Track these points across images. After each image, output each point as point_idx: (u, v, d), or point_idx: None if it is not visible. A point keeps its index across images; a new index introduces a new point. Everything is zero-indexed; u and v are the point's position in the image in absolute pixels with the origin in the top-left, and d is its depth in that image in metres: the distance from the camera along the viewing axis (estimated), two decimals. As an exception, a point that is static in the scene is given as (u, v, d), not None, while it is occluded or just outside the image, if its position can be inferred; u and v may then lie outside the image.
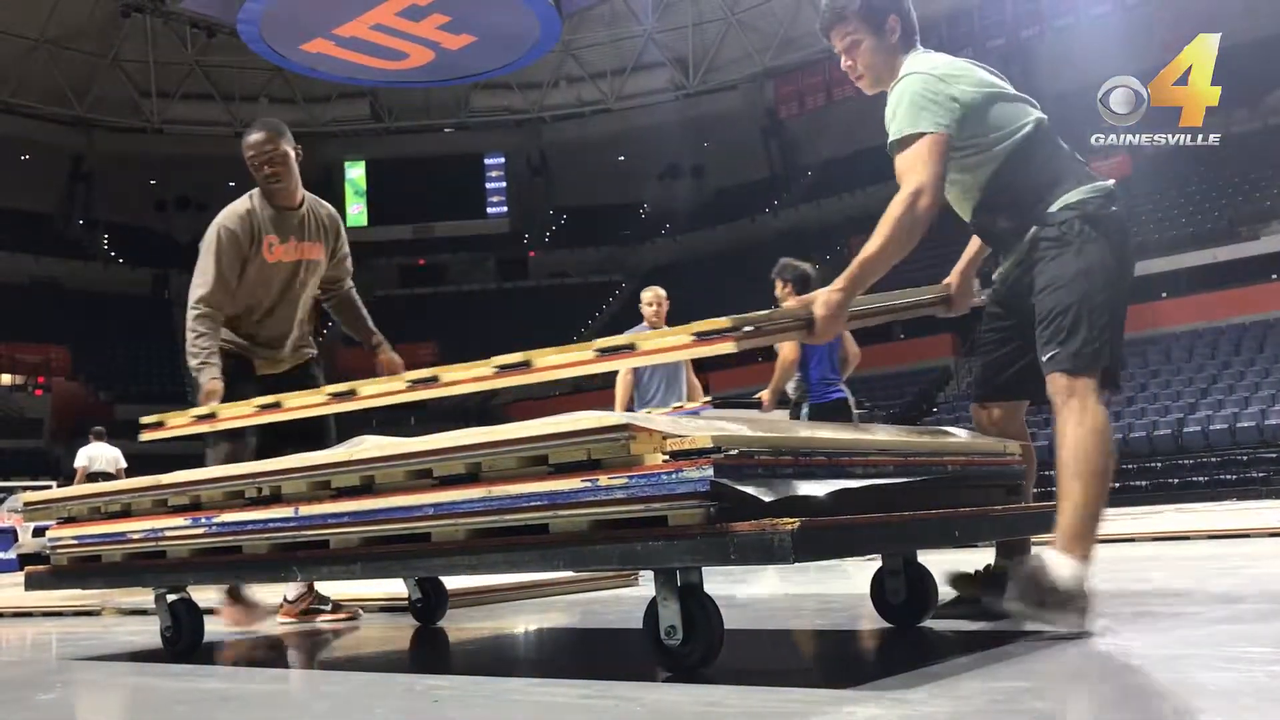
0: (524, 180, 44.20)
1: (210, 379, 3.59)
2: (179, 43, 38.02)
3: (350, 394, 2.86)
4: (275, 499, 2.71)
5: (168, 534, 2.96)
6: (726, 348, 2.19)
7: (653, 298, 7.90)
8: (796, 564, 1.87)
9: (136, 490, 3.06)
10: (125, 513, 3.12)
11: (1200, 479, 18.66)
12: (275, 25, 19.24)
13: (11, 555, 16.53)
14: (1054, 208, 2.59)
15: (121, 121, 39.88)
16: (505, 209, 44.31)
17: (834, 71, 38.38)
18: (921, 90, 2.64)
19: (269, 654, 3.48)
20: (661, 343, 2.24)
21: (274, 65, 33.39)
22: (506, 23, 19.56)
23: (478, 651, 3.19)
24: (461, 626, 3.72)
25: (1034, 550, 2.46)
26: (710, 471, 1.94)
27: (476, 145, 43.45)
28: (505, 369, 2.46)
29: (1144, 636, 2.37)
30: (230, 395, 3.55)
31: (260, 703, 2.32)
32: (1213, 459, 19.15)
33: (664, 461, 2.01)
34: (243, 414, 3.17)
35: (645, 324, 7.98)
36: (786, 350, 6.61)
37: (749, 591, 4.23)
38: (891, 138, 2.67)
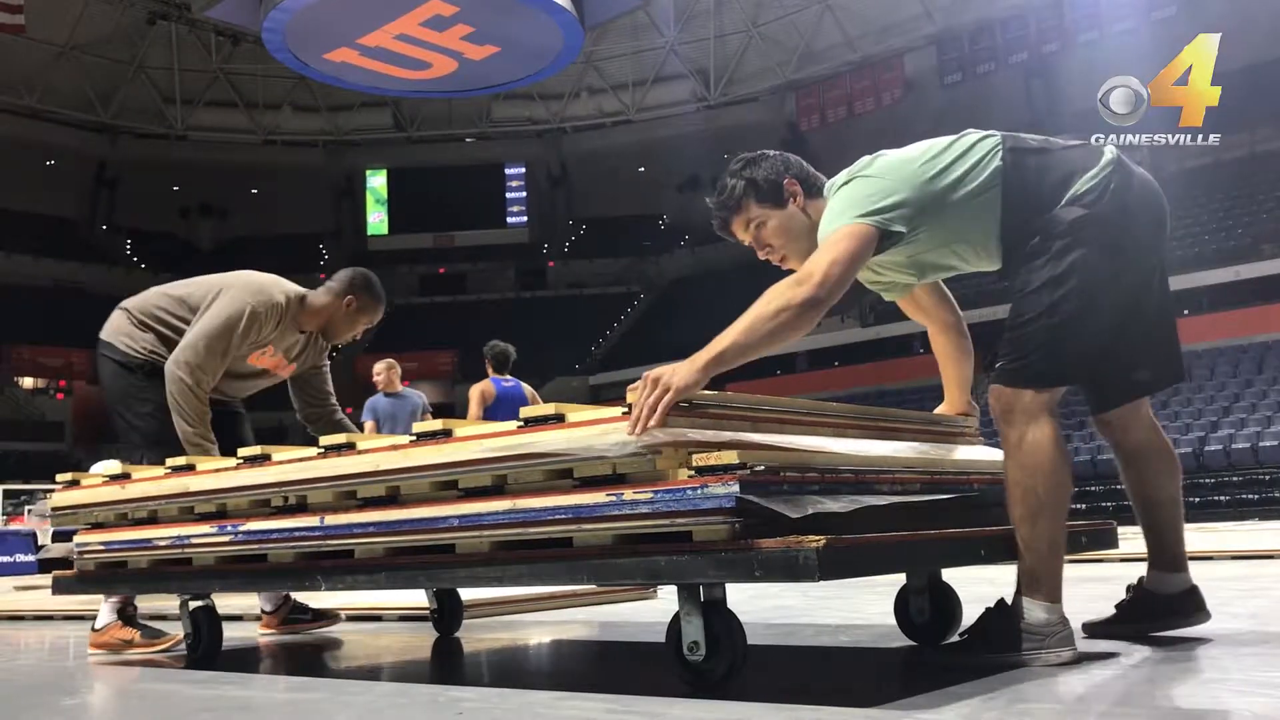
0: (544, 190, 44.34)
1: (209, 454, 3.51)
2: (204, 50, 38.36)
3: (264, 458, 2.86)
4: (301, 508, 2.73)
5: (194, 541, 2.97)
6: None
7: (383, 367, 8.58)
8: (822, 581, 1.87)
9: (164, 497, 3.08)
10: (152, 519, 3.14)
11: (1222, 498, 18.52)
12: (300, 34, 19.33)
13: (31, 558, 16.63)
14: (1059, 209, 2.38)
15: (146, 128, 40.23)
16: (525, 219, 44.46)
17: (855, 85, 38.49)
18: (848, 194, 2.43)
19: (289, 662, 3.49)
20: (593, 414, 2.21)
21: (297, 73, 33.52)
22: (530, 34, 19.59)
23: (500, 663, 3.19)
24: (481, 637, 3.73)
25: (1000, 599, 2.34)
26: (736, 487, 1.94)
27: (497, 155, 43.63)
28: (423, 437, 2.46)
29: (1173, 660, 2.35)
30: (166, 424, 3.55)
31: (283, 711, 2.33)
32: (1235, 478, 19.00)
33: (689, 477, 2.01)
34: (155, 476, 3.15)
35: (380, 393, 8.66)
36: (473, 410, 7.43)
37: (771, 605, 4.22)
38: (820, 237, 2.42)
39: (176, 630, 3.46)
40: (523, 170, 44.22)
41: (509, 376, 7.92)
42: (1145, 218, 2.45)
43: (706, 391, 2.17)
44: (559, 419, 2.20)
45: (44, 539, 16.34)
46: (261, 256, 40.15)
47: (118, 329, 3.88)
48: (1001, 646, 2.21)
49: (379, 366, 8.64)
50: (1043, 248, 2.36)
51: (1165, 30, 27.89)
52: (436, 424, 2.41)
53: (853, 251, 2.31)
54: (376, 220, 44.22)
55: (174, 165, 40.60)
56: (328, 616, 4.20)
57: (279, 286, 3.85)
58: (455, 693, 2.45)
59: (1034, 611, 2.22)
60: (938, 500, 2.33)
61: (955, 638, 2.34)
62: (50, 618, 5.68)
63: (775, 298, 2.27)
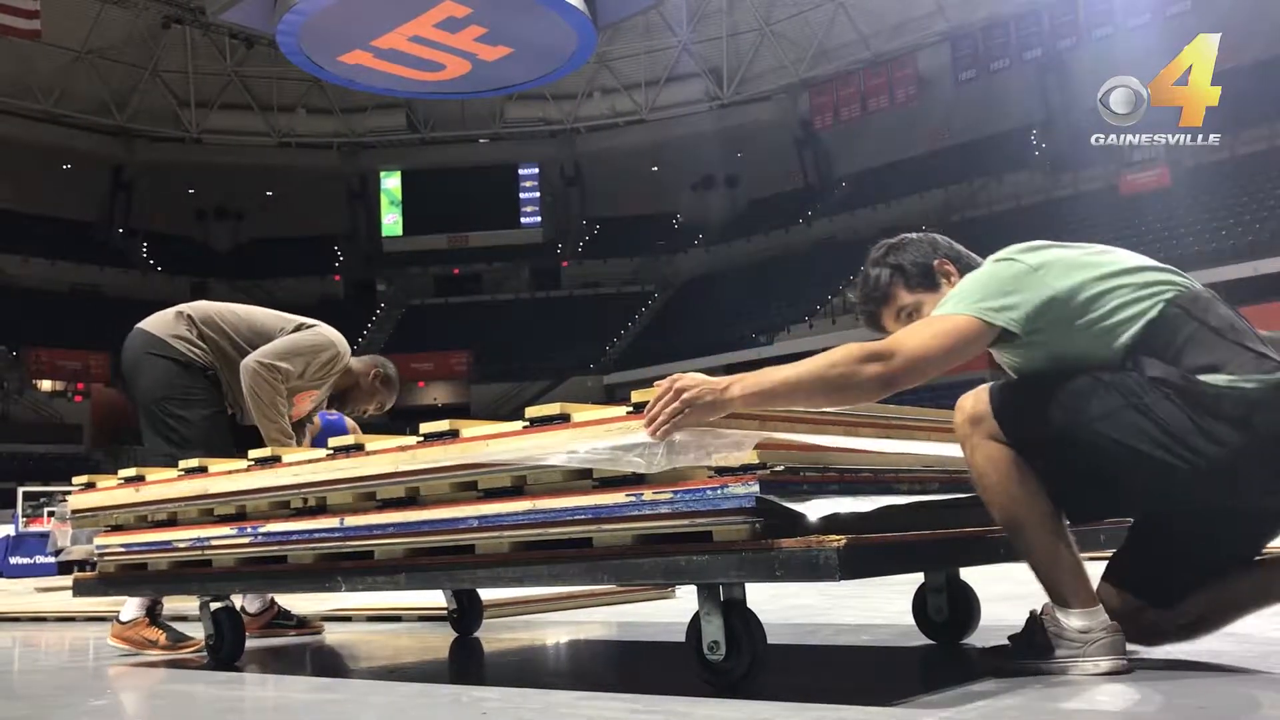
0: (558, 190, 44.41)
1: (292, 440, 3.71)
2: (218, 54, 38.57)
3: (275, 460, 2.88)
4: (321, 509, 2.74)
5: (214, 543, 2.99)
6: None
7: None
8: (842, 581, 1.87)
9: (183, 499, 3.09)
10: (172, 521, 3.16)
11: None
12: (314, 36, 19.37)
13: (50, 559, 16.74)
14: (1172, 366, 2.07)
15: (161, 131, 40.45)
16: (539, 219, 44.53)
17: (868, 82, 38.43)
18: (989, 272, 2.18)
19: (310, 663, 3.51)
20: (598, 414, 2.21)
21: (312, 76, 33.68)
22: (543, 35, 19.58)
23: (521, 663, 3.20)
24: (501, 637, 3.74)
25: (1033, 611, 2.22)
26: (756, 487, 1.94)
27: (511, 156, 43.73)
28: (430, 438, 2.46)
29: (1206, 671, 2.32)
30: (216, 428, 3.76)
31: (307, 712, 2.34)
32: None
33: (709, 476, 2.01)
34: (169, 478, 3.17)
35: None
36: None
37: (790, 604, 4.22)
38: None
39: (198, 633, 3.48)
40: (536, 170, 44.30)
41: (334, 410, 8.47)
42: (1263, 452, 1.99)
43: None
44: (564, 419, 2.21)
45: (62, 541, 16.44)
46: (277, 258, 40.45)
47: (171, 330, 3.87)
48: (1036, 654, 2.14)
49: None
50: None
51: (1179, 26, 27.79)
52: (445, 424, 2.43)
53: (949, 348, 2.09)
54: (391, 222, 44.35)
55: (190, 168, 40.82)
56: (310, 626, 4.23)
57: (341, 355, 3.95)
58: (477, 693, 2.45)
59: (1069, 619, 2.11)
60: (957, 499, 2.32)
61: (1005, 642, 2.28)
62: (72, 619, 5.72)
63: (845, 363, 2.04)
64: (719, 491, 1.98)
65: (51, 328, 33.54)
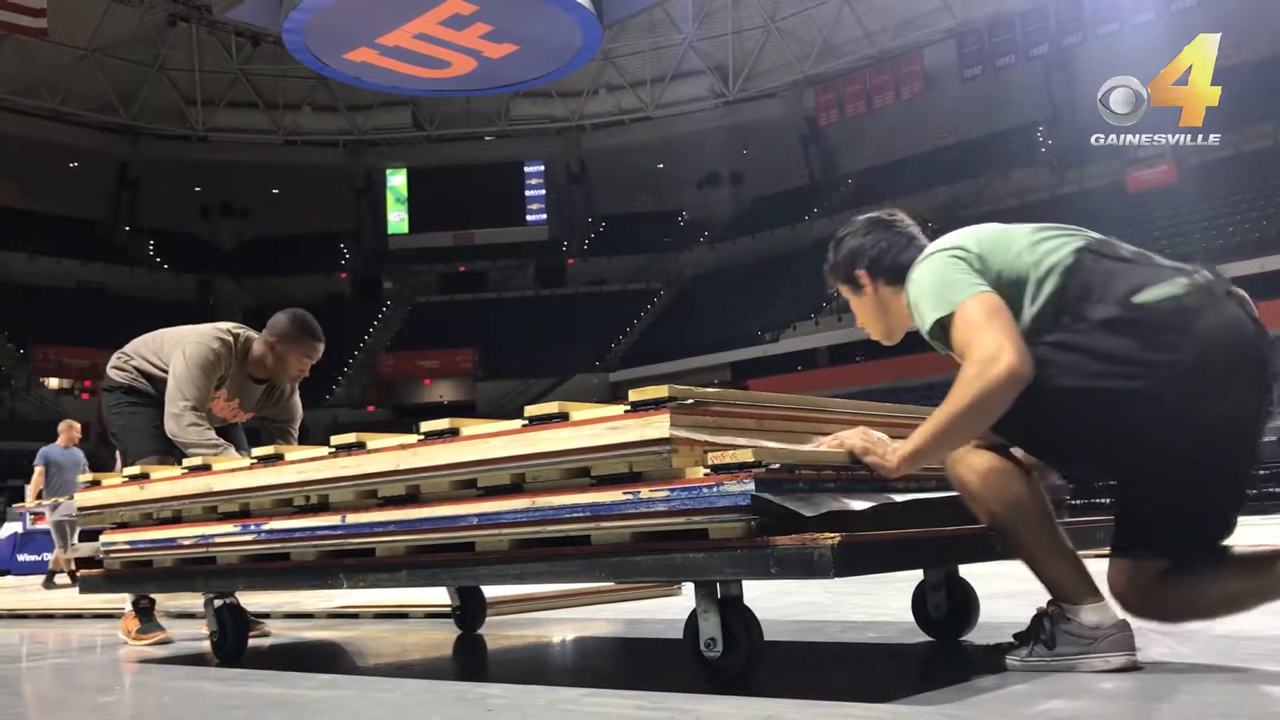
0: (563, 188, 44.42)
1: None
2: (224, 52, 38.63)
3: (278, 458, 2.93)
4: (323, 507, 2.76)
5: (218, 540, 3.01)
6: (660, 422, 2.08)
7: (64, 427, 10.98)
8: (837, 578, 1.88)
9: (188, 497, 3.12)
10: (176, 519, 3.19)
11: (1250, 492, 18.37)
12: (319, 34, 19.40)
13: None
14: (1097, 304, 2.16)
15: (167, 129, 40.53)
16: (544, 216, 44.56)
17: (874, 79, 38.38)
18: (933, 269, 2.24)
19: (317, 659, 3.53)
20: (596, 412, 2.23)
21: (317, 74, 33.75)
22: (548, 32, 19.60)
23: (526, 660, 3.21)
24: (507, 634, 3.76)
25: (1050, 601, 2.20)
26: (751, 485, 1.95)
27: (516, 153, 43.75)
28: (430, 436, 2.49)
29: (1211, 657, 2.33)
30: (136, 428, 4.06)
31: (314, 709, 2.35)
32: (1262, 472, 18.87)
33: (705, 475, 2.03)
34: (174, 475, 3.24)
35: (56, 445, 11.05)
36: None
37: (795, 601, 4.24)
38: (926, 332, 2.22)
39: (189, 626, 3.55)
40: (542, 168, 44.32)
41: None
42: (1213, 359, 2.07)
43: (709, 390, 2.19)
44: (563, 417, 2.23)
45: (73, 537, 16.44)
46: (282, 256, 40.54)
47: (111, 365, 4.28)
48: (1044, 650, 2.13)
49: (61, 425, 11.10)
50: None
51: (1185, 22, 27.74)
52: (444, 422, 2.45)
53: (1005, 321, 2.12)
54: (396, 219, 44.41)
55: (195, 166, 40.89)
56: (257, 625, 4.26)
57: (218, 336, 4.06)
58: (483, 689, 2.46)
59: (1079, 615, 2.12)
60: (954, 496, 2.33)
61: (1012, 639, 2.28)
62: (79, 616, 5.76)
63: (970, 385, 2.06)
64: (715, 489, 2.00)
65: (58, 325, 33.63)
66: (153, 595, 4.08)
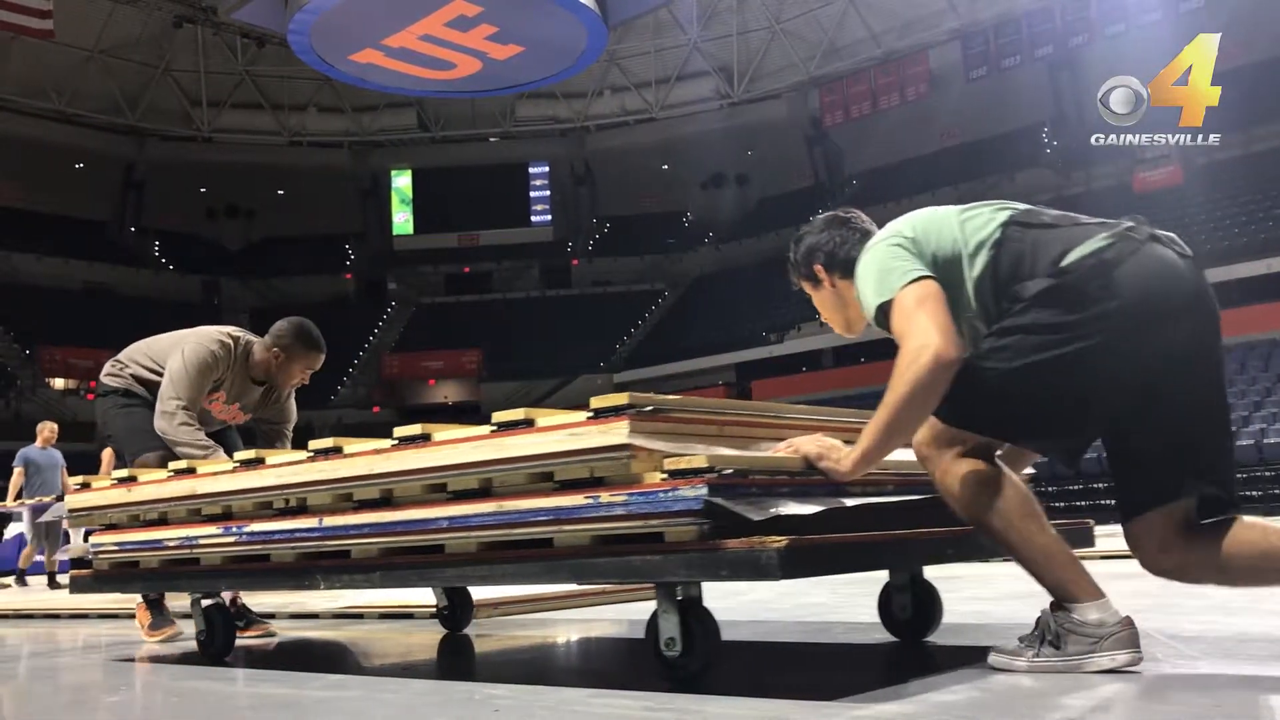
0: (568, 189, 44.44)
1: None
2: (229, 53, 38.72)
3: (259, 461, 3.00)
4: (301, 510, 2.83)
5: (201, 542, 3.09)
6: (619, 428, 2.13)
7: (43, 427, 11.40)
8: (784, 579, 1.94)
9: (173, 499, 3.19)
10: (162, 520, 3.26)
11: (1254, 493, 18.37)
12: (324, 35, 19.45)
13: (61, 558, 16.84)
14: (1031, 281, 2.27)
15: (173, 130, 40.62)
16: (549, 217, 44.58)
17: (879, 80, 38.33)
18: (875, 257, 2.33)
19: (322, 659, 3.58)
20: (560, 419, 2.30)
21: (323, 75, 33.82)
22: (554, 33, 19.62)
23: (529, 660, 3.24)
24: (513, 635, 3.80)
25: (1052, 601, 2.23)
26: (704, 490, 2.02)
27: (521, 154, 43.77)
28: (403, 441, 2.56)
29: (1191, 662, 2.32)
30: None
31: (321, 709, 2.39)
32: (1267, 474, 18.85)
33: (662, 480, 2.09)
34: (159, 478, 3.31)
35: (35, 446, 11.48)
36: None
37: (800, 603, 4.25)
38: (872, 320, 2.34)
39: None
40: (546, 169, 44.35)
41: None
42: (1144, 299, 2.13)
43: (670, 396, 2.25)
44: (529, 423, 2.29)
45: (76, 538, 16.52)
46: (288, 257, 40.64)
47: (106, 372, 4.34)
48: (1050, 650, 2.15)
49: (40, 426, 11.57)
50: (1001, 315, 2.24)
51: (1191, 22, 27.64)
52: (416, 428, 2.52)
53: (937, 309, 2.22)
54: (401, 220, 44.48)
55: (201, 167, 40.98)
56: (261, 625, 4.33)
57: (220, 338, 4.14)
58: (489, 690, 2.48)
59: (1082, 612, 2.13)
60: (911, 501, 2.39)
61: (1017, 640, 2.30)
62: (85, 615, 5.82)
63: (902, 377, 2.17)
64: (670, 494, 2.06)
65: (64, 326, 33.76)
66: None
